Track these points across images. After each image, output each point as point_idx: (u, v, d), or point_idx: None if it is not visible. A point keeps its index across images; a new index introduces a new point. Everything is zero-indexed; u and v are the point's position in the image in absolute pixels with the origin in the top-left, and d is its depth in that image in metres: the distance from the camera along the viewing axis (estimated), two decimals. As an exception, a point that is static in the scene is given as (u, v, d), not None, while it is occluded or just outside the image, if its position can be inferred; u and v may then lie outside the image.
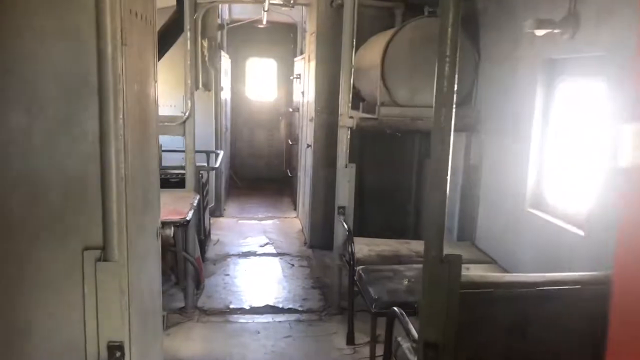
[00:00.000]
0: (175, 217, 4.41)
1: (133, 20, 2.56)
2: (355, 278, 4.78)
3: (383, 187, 7.43)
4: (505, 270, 4.88)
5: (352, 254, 4.82)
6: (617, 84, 3.44)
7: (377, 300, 4.15)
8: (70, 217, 2.37)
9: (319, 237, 7.59)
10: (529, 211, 4.58)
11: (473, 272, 4.73)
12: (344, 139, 5.39)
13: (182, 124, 5.22)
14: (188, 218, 4.45)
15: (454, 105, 2.62)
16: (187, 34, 5.15)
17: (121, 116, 2.33)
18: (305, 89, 8.30)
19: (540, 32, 3.98)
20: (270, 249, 7.68)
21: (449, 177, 2.60)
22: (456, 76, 2.68)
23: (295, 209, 9.89)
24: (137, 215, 2.67)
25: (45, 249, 2.36)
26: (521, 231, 4.69)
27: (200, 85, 8.62)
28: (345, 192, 5.38)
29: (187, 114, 5.21)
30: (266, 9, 7.87)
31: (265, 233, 8.41)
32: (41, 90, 2.27)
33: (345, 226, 5.21)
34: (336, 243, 5.51)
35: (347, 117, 5.30)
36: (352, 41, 5.19)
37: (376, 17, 6.77)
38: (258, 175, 12.36)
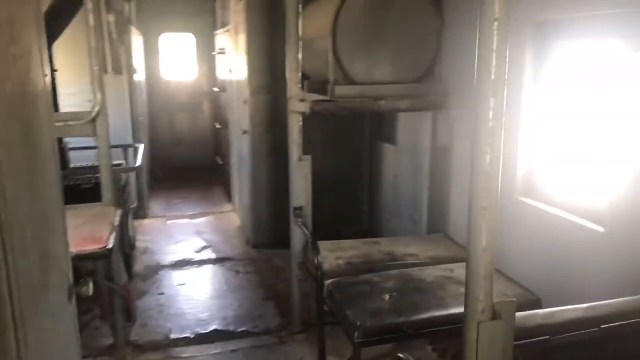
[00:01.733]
0: (93, 247, 3.37)
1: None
2: (324, 294, 3.98)
3: (330, 173, 6.61)
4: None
5: (319, 266, 3.99)
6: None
7: (359, 327, 3.36)
8: None
9: (263, 234, 6.71)
10: (521, 200, 3.94)
11: (457, 272, 4.05)
12: (295, 126, 4.48)
13: (91, 122, 4.05)
14: (109, 246, 3.42)
15: (497, 90, 1.85)
16: (89, 4, 3.99)
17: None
18: (234, 66, 7.25)
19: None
20: (208, 253, 6.68)
21: (498, 199, 1.82)
22: (508, 48, 1.88)
23: (230, 201, 8.88)
24: (29, 290, 1.69)
25: None
26: (510, 223, 4.04)
27: (110, 69, 7.40)
28: (301, 190, 4.52)
29: (96, 108, 4.03)
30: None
31: (199, 234, 7.37)
32: None
33: (306, 232, 4.36)
34: (294, 250, 4.65)
35: (298, 101, 4.38)
36: (298, 6, 4.26)
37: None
38: (182, 165, 11.13)
